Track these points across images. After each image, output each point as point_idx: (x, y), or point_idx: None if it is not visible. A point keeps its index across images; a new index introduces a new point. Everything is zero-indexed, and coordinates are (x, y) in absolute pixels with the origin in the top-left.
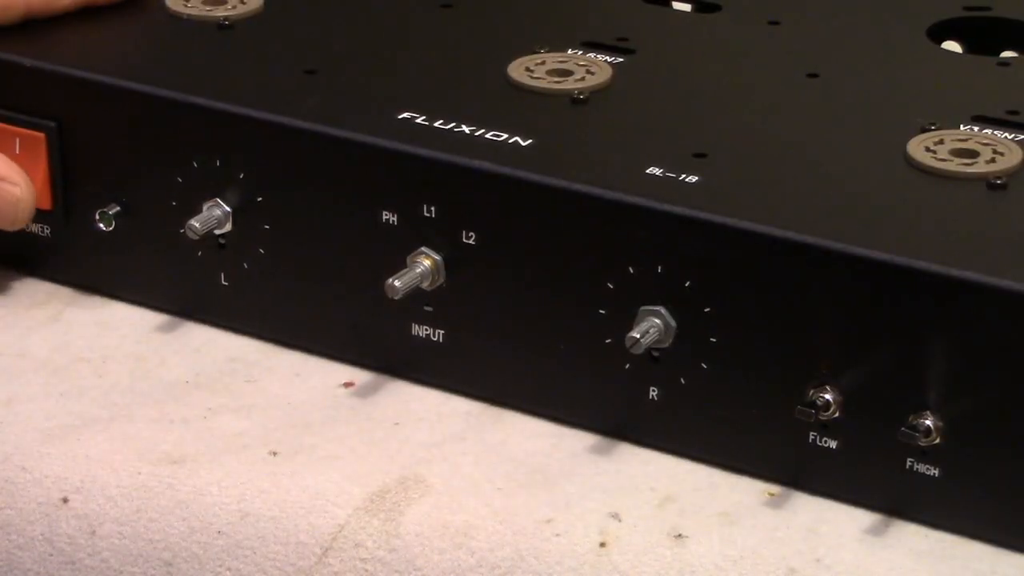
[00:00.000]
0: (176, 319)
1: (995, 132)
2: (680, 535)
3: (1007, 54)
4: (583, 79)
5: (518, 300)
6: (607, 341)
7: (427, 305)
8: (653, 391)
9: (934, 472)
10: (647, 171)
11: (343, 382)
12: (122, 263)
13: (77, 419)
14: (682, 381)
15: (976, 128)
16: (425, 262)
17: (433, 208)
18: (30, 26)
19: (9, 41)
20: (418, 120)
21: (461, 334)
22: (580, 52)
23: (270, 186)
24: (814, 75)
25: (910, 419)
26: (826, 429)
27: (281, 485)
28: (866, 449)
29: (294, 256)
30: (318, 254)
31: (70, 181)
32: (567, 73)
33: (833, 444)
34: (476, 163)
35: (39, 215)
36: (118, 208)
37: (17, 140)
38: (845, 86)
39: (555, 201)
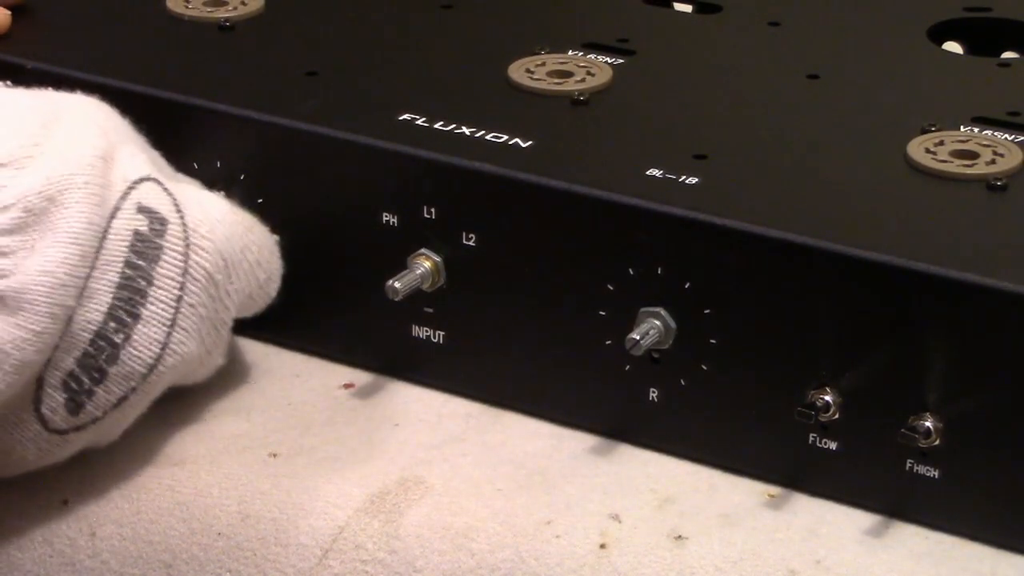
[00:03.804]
0: None
1: (995, 133)
2: (680, 536)
3: (1007, 55)
4: (583, 80)
5: (518, 301)
6: (607, 342)
7: (427, 306)
8: (653, 392)
9: (934, 473)
10: (647, 172)
11: (343, 383)
12: None
13: None
14: (682, 382)
15: (976, 129)
16: (425, 263)
17: (433, 209)
18: (30, 27)
19: (10, 42)
20: (418, 121)
21: (461, 335)
22: (580, 53)
23: (270, 186)
24: (814, 76)
25: (910, 420)
26: (826, 430)
27: (281, 487)
28: (866, 450)
29: (293, 257)
30: (318, 255)
31: None
32: (567, 74)
33: (833, 445)
34: (476, 164)
35: None
36: None
37: None
38: (845, 87)
39: (555, 202)
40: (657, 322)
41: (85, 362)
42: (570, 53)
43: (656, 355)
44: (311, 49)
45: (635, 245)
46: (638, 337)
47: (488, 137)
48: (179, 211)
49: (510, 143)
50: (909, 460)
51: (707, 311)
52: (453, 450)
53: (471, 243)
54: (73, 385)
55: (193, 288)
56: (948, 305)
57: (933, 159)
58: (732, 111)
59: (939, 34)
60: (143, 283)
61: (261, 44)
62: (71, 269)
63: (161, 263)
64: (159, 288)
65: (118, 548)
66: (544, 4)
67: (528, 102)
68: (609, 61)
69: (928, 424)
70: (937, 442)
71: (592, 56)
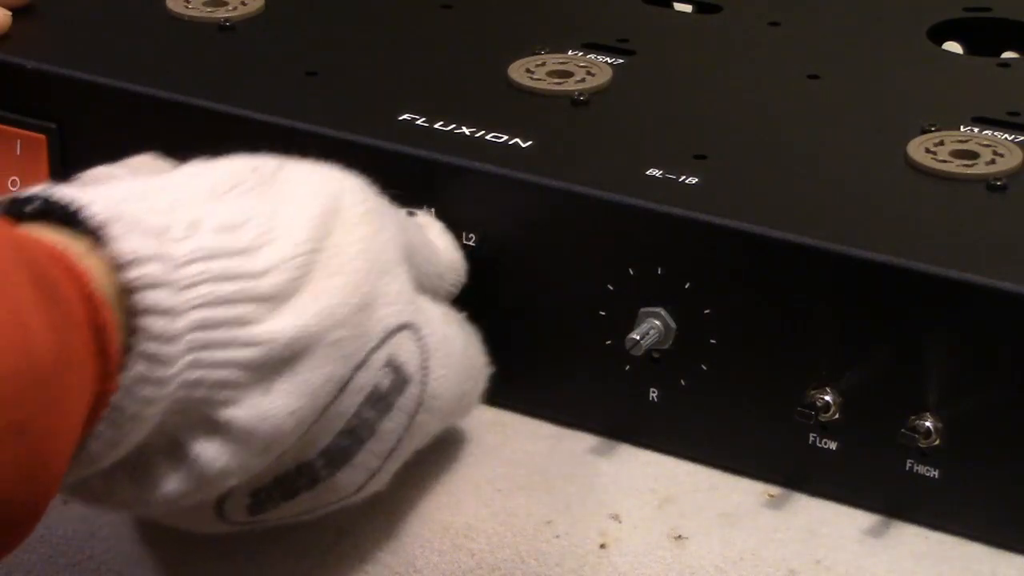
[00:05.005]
0: None
1: (995, 133)
2: (680, 536)
3: (1007, 55)
4: (583, 80)
5: (518, 301)
6: (607, 342)
7: None
8: (653, 392)
9: (934, 474)
10: (647, 172)
11: None
12: None
13: None
14: (682, 382)
15: (976, 129)
16: None
17: (433, 209)
18: (30, 27)
19: (10, 43)
20: (418, 121)
21: None
22: (580, 53)
23: None
24: (814, 76)
25: (910, 420)
26: (826, 430)
27: None
28: (866, 450)
29: None
30: None
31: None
32: (567, 74)
33: (833, 445)
34: (476, 164)
35: None
36: None
37: (18, 142)
38: (845, 87)
39: (555, 202)
40: (657, 322)
41: (282, 482)
42: (570, 53)
43: (656, 355)
44: (311, 49)
45: (635, 245)
46: (638, 337)
47: (488, 137)
48: (424, 369)
49: (510, 143)
50: (909, 460)
51: (707, 311)
52: (453, 450)
53: (471, 243)
54: (262, 496)
55: (407, 443)
56: (948, 305)
57: (933, 159)
58: (732, 111)
59: (939, 34)
60: (365, 433)
61: (261, 44)
62: (299, 422)
63: (388, 419)
64: (378, 441)
65: (118, 549)
66: (544, 4)
67: (528, 102)
68: (609, 61)
69: (928, 424)
70: (937, 442)
71: (592, 56)
